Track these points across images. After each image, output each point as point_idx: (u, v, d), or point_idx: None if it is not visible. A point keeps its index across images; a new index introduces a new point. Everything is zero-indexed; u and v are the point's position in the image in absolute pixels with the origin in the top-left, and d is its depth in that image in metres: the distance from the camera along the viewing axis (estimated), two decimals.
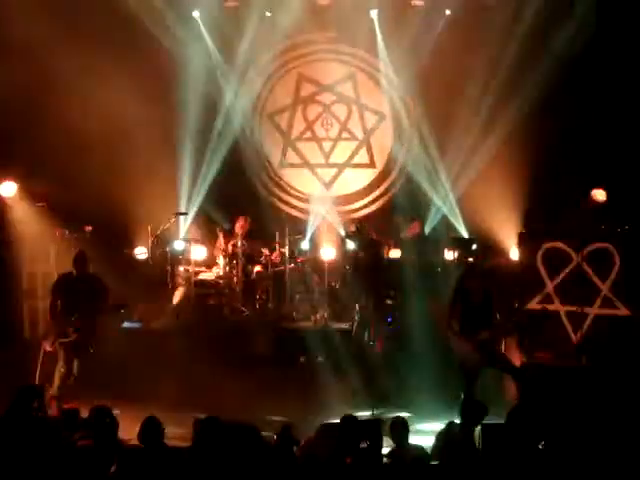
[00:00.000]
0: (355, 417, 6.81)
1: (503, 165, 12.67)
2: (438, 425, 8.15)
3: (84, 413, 7.17)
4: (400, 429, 6.92)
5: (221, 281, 12.69)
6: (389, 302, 11.95)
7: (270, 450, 6.29)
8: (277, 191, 14.58)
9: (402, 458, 6.45)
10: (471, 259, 10.28)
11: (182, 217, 13.41)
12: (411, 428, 7.22)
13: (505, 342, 10.26)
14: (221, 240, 12.77)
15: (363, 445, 6.50)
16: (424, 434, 8.33)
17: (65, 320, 9.47)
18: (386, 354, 10.79)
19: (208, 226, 13.71)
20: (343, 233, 13.37)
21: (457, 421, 7.33)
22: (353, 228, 12.96)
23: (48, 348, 9.50)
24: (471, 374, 8.92)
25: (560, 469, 6.25)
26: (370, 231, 12.68)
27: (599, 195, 11.71)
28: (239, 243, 12.50)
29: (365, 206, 14.40)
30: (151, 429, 6.36)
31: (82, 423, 6.89)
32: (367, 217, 13.96)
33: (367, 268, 12.09)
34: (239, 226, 12.79)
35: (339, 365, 10.77)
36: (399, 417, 7.19)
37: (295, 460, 6.24)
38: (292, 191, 14.58)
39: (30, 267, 12.21)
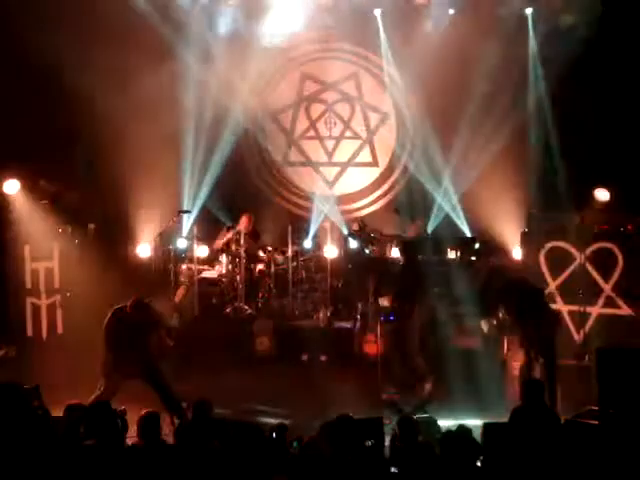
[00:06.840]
0: (351, 416, 6.79)
1: (506, 164, 12.66)
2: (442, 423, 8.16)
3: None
4: (408, 428, 6.87)
5: (224, 279, 12.70)
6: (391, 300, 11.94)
7: (270, 448, 6.27)
8: (280, 189, 14.58)
9: (408, 456, 6.42)
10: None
11: (185, 215, 13.41)
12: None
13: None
14: (223, 237, 12.76)
15: (367, 444, 6.48)
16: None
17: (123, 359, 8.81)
18: (386, 352, 10.75)
19: (211, 224, 13.71)
20: (346, 232, 13.37)
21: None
22: (356, 227, 12.97)
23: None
24: None
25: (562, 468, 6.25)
26: (371, 230, 12.67)
27: (602, 194, 11.68)
28: (242, 241, 12.49)
29: (368, 205, 14.40)
30: (151, 425, 6.34)
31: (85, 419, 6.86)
32: (370, 216, 13.95)
33: (369, 266, 12.07)
34: (243, 224, 12.78)
35: (341, 364, 10.74)
36: (406, 416, 7.14)
37: (291, 459, 6.22)
38: (295, 189, 14.58)
39: (33, 264, 12.20)
